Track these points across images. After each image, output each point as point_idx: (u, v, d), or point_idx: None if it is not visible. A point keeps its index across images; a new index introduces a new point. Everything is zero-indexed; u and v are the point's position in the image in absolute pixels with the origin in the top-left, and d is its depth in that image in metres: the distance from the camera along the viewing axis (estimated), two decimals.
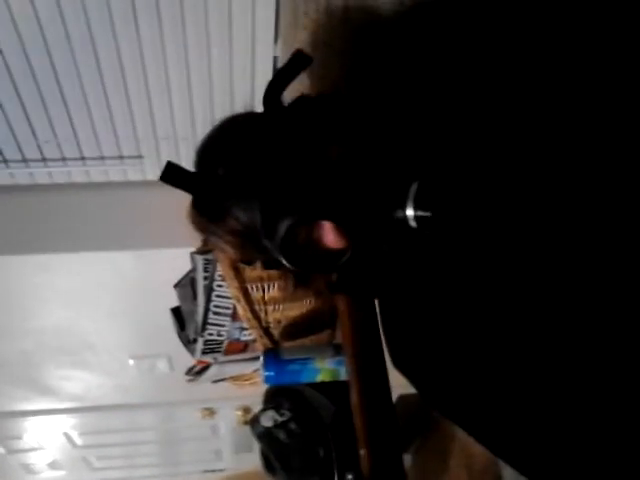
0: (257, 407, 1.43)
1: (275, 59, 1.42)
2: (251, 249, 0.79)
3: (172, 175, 0.75)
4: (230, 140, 0.81)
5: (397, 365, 0.85)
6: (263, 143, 0.77)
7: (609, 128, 0.65)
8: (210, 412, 2.70)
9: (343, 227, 0.72)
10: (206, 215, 0.79)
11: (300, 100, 0.83)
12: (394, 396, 1.10)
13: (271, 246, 0.74)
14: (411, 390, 0.91)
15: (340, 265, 0.75)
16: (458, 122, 0.74)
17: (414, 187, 0.68)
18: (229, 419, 2.76)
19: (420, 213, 0.68)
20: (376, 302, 1.02)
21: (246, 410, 2.63)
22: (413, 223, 0.68)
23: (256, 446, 1.42)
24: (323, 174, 0.73)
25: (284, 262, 0.75)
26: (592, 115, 0.66)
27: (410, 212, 0.68)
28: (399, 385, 1.06)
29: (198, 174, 0.79)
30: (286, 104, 0.83)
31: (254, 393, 1.55)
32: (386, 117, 0.82)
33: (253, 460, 1.71)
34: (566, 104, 0.67)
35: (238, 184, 0.75)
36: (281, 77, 0.79)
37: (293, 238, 0.73)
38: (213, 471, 3.18)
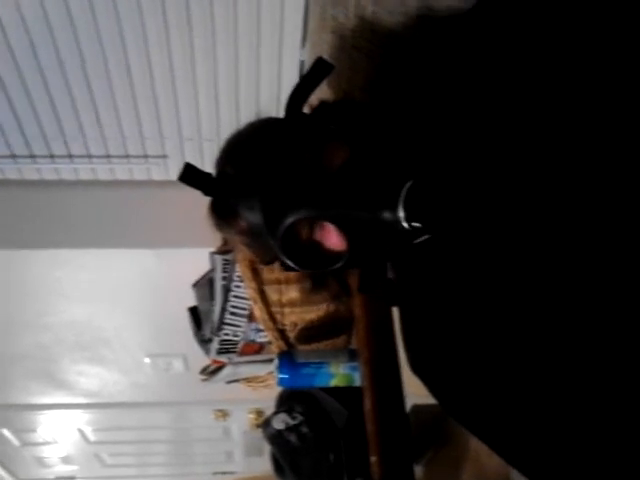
0: (270, 411, 1.44)
1: (302, 63, 1.43)
2: (260, 248, 0.82)
3: (189, 175, 0.78)
4: (242, 141, 0.84)
5: (416, 370, 0.85)
6: (271, 145, 0.80)
7: (608, 129, 0.65)
8: (223, 414, 2.70)
9: (341, 228, 0.73)
10: (219, 214, 0.81)
11: (319, 108, 0.85)
12: (408, 405, 1.09)
13: (274, 244, 0.76)
14: (425, 400, 0.91)
15: (340, 266, 0.77)
16: (460, 127, 0.76)
17: (406, 188, 0.69)
18: (242, 422, 2.75)
19: (409, 213, 0.68)
20: (396, 308, 1.02)
21: (259, 413, 2.63)
22: (405, 224, 0.69)
23: (267, 450, 1.42)
24: (326, 176, 0.75)
25: (284, 260, 0.77)
26: (590, 117, 0.66)
27: (401, 213, 0.68)
28: (413, 395, 1.06)
29: (211, 174, 0.81)
30: (308, 111, 0.85)
31: (268, 396, 1.55)
32: (398, 122, 0.83)
33: (264, 464, 1.71)
34: (562, 111, 0.68)
35: (244, 183, 0.77)
36: (304, 85, 0.81)
37: (295, 237, 0.76)
38: (223, 473, 3.18)
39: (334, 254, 0.78)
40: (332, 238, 0.77)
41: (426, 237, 0.75)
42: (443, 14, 0.83)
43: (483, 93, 0.74)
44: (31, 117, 1.55)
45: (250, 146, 0.82)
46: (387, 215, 0.69)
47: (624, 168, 0.65)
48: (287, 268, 0.82)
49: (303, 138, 0.79)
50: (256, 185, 0.76)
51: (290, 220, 0.73)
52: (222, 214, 0.81)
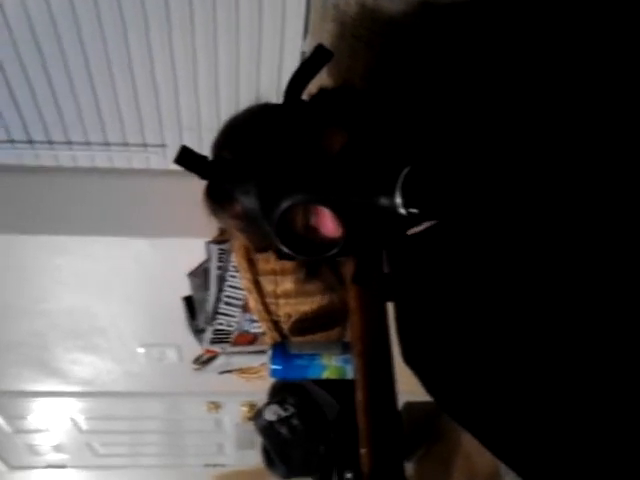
0: (263, 404, 1.43)
1: (303, 54, 1.43)
2: (255, 233, 0.81)
3: (185, 158, 0.78)
4: (240, 125, 0.84)
5: (408, 362, 0.85)
6: (269, 129, 0.79)
7: (608, 124, 0.65)
8: (216, 406, 2.70)
9: (338, 214, 0.73)
10: (215, 199, 0.81)
11: (319, 94, 0.85)
12: (400, 403, 1.09)
13: (269, 229, 0.75)
14: (418, 398, 0.90)
15: (334, 253, 0.76)
16: (459, 114, 0.76)
17: (403, 174, 0.69)
18: (234, 414, 2.76)
19: (406, 199, 0.68)
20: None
21: (252, 406, 2.63)
22: (402, 210, 0.69)
23: (259, 443, 1.42)
24: (323, 161, 0.75)
25: (279, 245, 0.77)
26: (592, 110, 0.66)
27: (398, 199, 0.68)
28: (406, 392, 1.06)
29: (208, 158, 0.80)
30: (307, 98, 0.84)
31: (261, 389, 1.55)
32: (397, 109, 0.82)
33: (255, 457, 1.71)
34: (565, 101, 0.68)
35: (240, 167, 0.77)
36: (303, 72, 0.80)
37: (291, 223, 0.75)
38: (214, 465, 3.18)
39: (330, 241, 0.77)
40: (328, 224, 0.77)
41: (423, 226, 0.75)
42: (445, 1, 0.83)
43: (482, 81, 0.74)
44: (30, 102, 1.55)
45: (248, 130, 0.81)
46: (384, 201, 0.69)
47: (617, 147, 0.65)
48: (282, 255, 0.82)
49: (301, 123, 0.78)
50: (253, 169, 0.76)
51: (286, 205, 0.73)
52: (218, 199, 0.81)
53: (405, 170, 0.68)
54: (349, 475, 1.17)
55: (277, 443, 1.31)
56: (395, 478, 1.02)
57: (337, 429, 1.24)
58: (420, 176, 0.68)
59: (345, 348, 1.23)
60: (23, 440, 3.02)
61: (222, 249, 1.41)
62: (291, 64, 1.45)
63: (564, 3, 0.70)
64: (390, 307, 1.03)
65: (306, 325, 1.38)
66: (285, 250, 0.77)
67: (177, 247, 1.76)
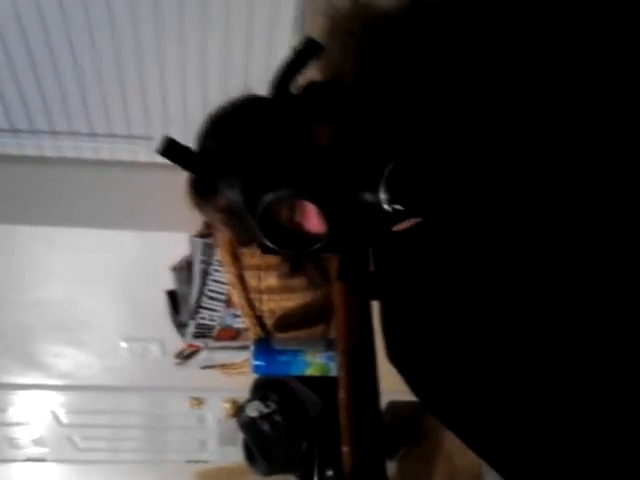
0: None
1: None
2: (239, 227, 0.80)
3: (168, 149, 0.76)
4: (225, 117, 0.83)
5: (393, 360, 0.85)
6: (255, 121, 0.78)
7: (598, 120, 0.65)
8: (198, 402, 2.69)
9: (322, 209, 0.72)
10: (199, 192, 0.80)
11: (307, 88, 0.84)
12: (384, 402, 1.09)
13: (253, 223, 0.75)
14: (401, 397, 0.90)
15: (319, 248, 0.75)
16: (445, 112, 0.76)
17: (388, 170, 0.68)
18: (217, 410, 2.74)
19: (391, 195, 0.67)
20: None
21: (235, 403, 2.62)
22: (387, 206, 0.68)
23: (241, 439, 1.41)
24: (308, 155, 0.74)
25: (263, 239, 0.76)
26: (581, 108, 0.66)
27: (383, 195, 0.68)
28: (389, 391, 1.06)
29: (192, 149, 0.79)
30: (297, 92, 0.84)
31: (244, 386, 1.55)
32: (384, 105, 0.82)
33: (238, 454, 1.70)
34: (558, 97, 0.68)
35: (225, 159, 0.75)
36: (291, 64, 0.80)
37: (275, 217, 0.74)
38: (196, 462, 3.17)
39: (314, 236, 0.77)
40: (312, 219, 0.76)
41: (408, 223, 0.75)
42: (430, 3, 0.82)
43: (472, 79, 0.74)
44: (15, 91, 1.53)
45: (233, 122, 0.81)
46: (369, 197, 0.68)
47: (606, 144, 0.65)
48: (266, 250, 0.81)
49: (287, 116, 0.78)
50: (237, 162, 0.75)
51: (270, 198, 0.72)
52: (202, 191, 0.80)
53: (390, 166, 0.68)
54: (330, 473, 1.16)
55: (259, 439, 1.30)
56: (376, 477, 1.02)
57: (319, 426, 1.24)
58: (404, 172, 0.68)
59: (329, 345, 1.22)
60: (2, 433, 2.98)
61: (206, 243, 1.40)
62: (281, 59, 1.44)
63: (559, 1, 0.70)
64: (375, 305, 1.03)
65: (290, 321, 1.37)
66: (269, 244, 0.76)
67: (161, 240, 1.74)
